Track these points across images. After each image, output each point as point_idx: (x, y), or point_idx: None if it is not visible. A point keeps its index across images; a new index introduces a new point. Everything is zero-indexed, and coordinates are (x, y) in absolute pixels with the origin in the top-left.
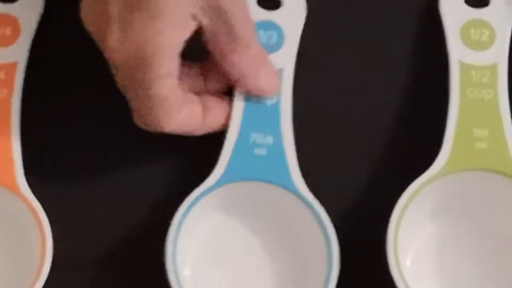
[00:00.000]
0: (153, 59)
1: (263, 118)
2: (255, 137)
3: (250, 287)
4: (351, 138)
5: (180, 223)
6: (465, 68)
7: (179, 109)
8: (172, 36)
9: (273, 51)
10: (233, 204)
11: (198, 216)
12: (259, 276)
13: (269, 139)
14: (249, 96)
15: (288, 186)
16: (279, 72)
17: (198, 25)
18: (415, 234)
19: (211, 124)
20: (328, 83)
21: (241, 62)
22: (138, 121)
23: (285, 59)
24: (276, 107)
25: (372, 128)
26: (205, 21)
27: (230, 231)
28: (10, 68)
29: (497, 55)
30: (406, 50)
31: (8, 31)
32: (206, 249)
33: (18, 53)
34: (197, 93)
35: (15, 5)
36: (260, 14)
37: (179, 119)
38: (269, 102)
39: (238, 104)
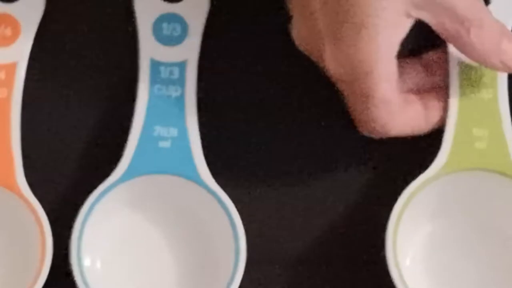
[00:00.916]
0: (370, 68)
1: (167, 111)
2: (160, 130)
3: (160, 278)
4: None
5: (85, 219)
6: (464, 67)
7: (402, 110)
8: (385, 41)
9: (177, 43)
10: (140, 197)
11: (105, 211)
12: (168, 268)
13: (174, 132)
14: (152, 89)
15: (194, 178)
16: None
17: (415, 21)
18: (415, 234)
19: (432, 121)
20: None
21: (479, 43)
22: (362, 128)
23: (189, 51)
24: (180, 99)
25: None
26: (424, 16)
27: (139, 224)
28: (10, 68)
29: None
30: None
31: (8, 31)
32: (116, 243)
33: (18, 53)
34: (416, 90)
35: (15, 5)
36: (162, 6)
37: (404, 120)
38: (173, 94)
39: (142, 97)
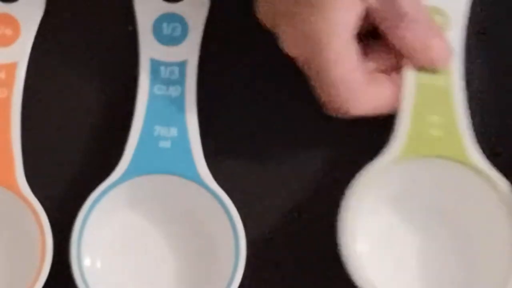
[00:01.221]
0: (324, 48)
1: (167, 111)
2: (160, 129)
3: (160, 278)
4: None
5: (85, 219)
6: None
7: (365, 90)
8: (339, 22)
9: (177, 43)
10: (140, 197)
11: (105, 211)
12: (168, 268)
13: (174, 132)
14: (152, 89)
15: (194, 178)
16: (184, 64)
17: (366, 5)
18: (369, 220)
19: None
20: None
21: (409, 38)
22: (327, 109)
23: (189, 51)
24: (180, 99)
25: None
26: (371, 0)
27: (139, 224)
28: (10, 68)
29: (451, 42)
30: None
31: (8, 31)
32: (117, 243)
33: (18, 53)
34: (386, 70)
35: (15, 5)
36: (164, 6)
37: (367, 100)
38: (173, 94)
39: (142, 97)
